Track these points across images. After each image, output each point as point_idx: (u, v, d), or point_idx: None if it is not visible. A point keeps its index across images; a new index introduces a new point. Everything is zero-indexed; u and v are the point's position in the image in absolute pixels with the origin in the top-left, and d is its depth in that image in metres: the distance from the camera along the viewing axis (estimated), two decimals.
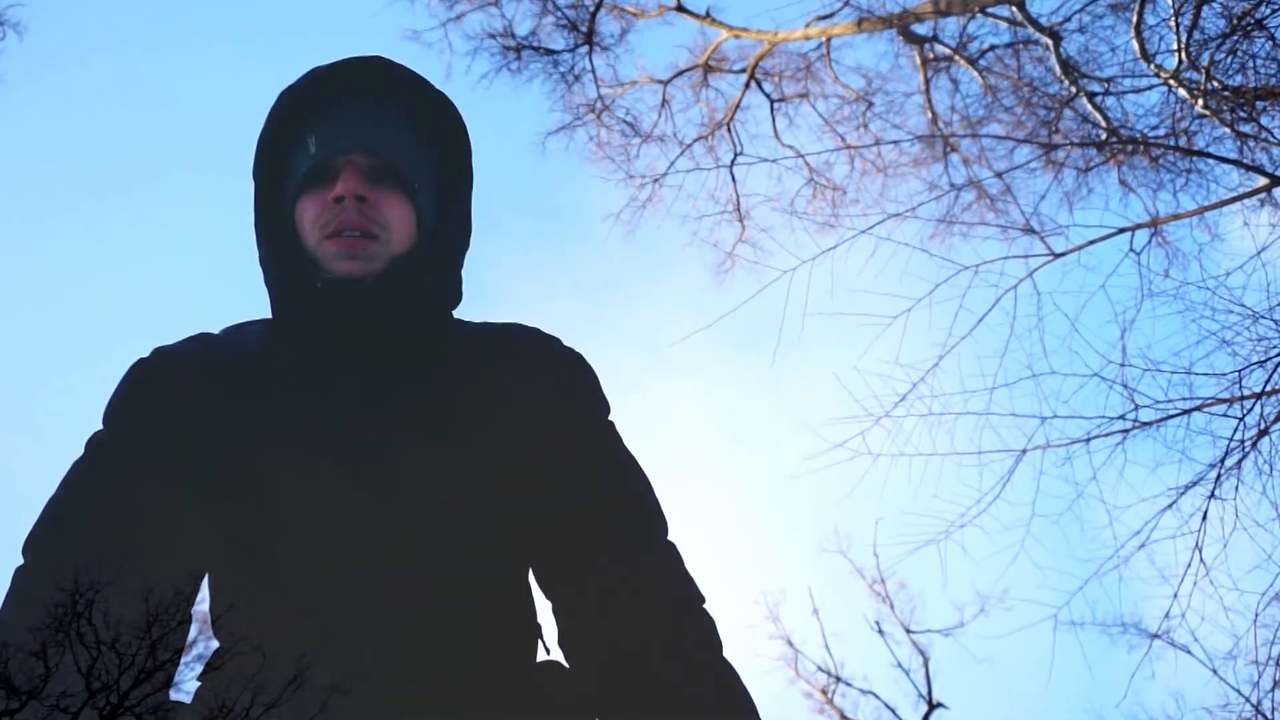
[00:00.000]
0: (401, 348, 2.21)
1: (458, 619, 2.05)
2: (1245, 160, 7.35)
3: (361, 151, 2.26)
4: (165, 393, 2.15)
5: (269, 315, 2.38)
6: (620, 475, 2.22)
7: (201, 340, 2.31)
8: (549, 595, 2.20)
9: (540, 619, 2.24)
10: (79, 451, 2.20)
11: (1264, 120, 7.10)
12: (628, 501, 2.20)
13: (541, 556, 2.17)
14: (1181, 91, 7.28)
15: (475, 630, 2.08)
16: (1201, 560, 6.68)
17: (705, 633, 2.12)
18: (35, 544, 2.07)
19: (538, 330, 2.40)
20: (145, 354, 2.28)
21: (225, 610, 2.11)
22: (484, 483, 2.09)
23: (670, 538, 2.20)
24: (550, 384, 2.22)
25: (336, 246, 2.21)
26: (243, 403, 2.11)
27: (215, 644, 2.17)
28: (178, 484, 2.03)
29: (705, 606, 2.16)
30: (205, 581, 2.17)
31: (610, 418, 2.29)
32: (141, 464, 2.06)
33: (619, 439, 2.29)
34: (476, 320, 2.44)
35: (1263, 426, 6.57)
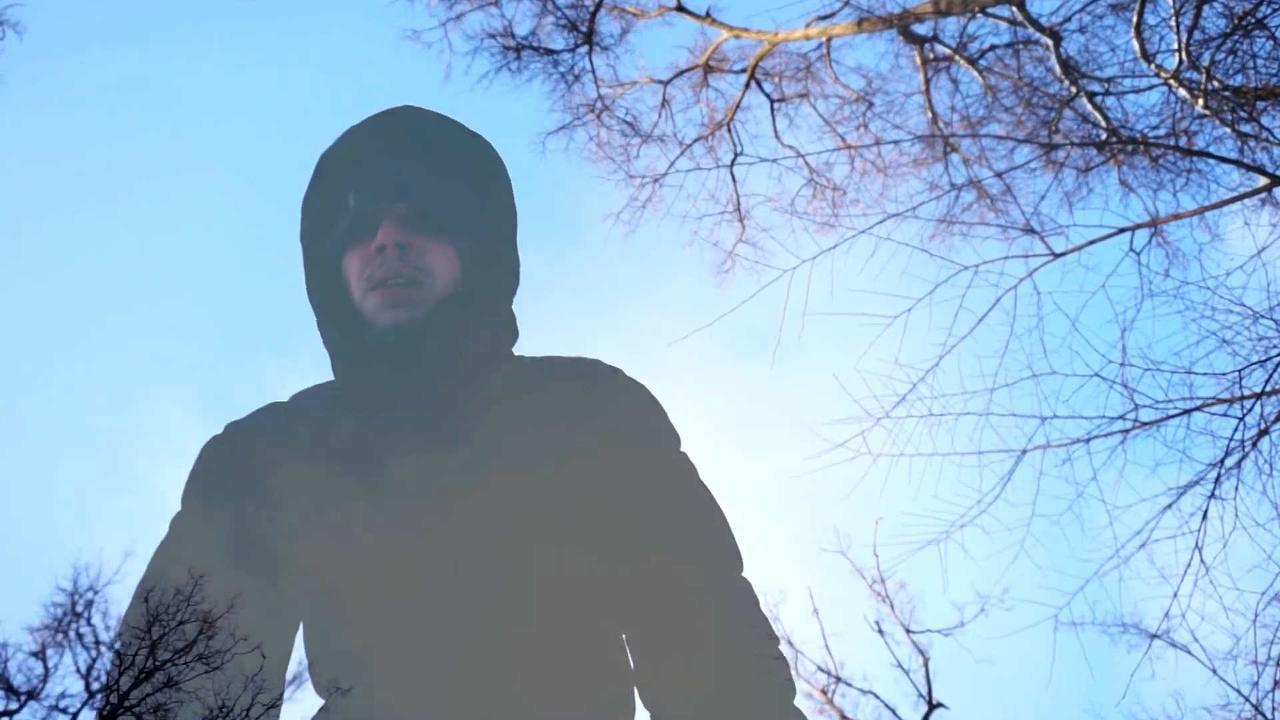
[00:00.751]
0: (456, 391, 2.19)
1: (542, 660, 2.04)
2: (1245, 160, 7.34)
3: (399, 200, 2.29)
4: (236, 467, 2.18)
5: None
6: (696, 512, 2.20)
7: (269, 411, 2.34)
8: (629, 635, 2.17)
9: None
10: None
11: (1265, 120, 7.10)
12: (706, 540, 2.18)
13: (621, 597, 2.15)
14: (1182, 91, 7.28)
15: (563, 673, 2.06)
16: (1201, 560, 6.68)
17: (783, 677, 2.11)
18: (127, 625, 2.13)
19: (599, 363, 2.37)
20: (219, 431, 2.31)
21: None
22: (558, 523, 2.08)
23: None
24: (618, 419, 2.20)
25: (380, 297, 2.25)
26: (311, 467, 2.12)
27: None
28: (253, 553, 2.04)
29: (780, 647, 2.15)
30: (300, 635, 2.17)
31: (682, 449, 2.27)
32: (218, 537, 2.08)
33: (693, 471, 2.27)
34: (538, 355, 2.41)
35: (1263, 426, 6.57)
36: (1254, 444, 6.56)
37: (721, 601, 2.12)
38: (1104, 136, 8.39)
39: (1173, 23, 7.18)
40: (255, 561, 2.09)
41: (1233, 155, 7.43)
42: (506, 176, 2.44)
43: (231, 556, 2.09)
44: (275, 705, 1.88)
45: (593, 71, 10.65)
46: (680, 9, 10.09)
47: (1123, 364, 6.86)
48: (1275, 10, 6.92)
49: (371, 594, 2.07)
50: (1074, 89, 8.55)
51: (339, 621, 2.11)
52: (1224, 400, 6.63)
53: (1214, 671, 6.78)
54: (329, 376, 2.36)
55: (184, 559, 2.13)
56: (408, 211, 2.28)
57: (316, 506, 2.13)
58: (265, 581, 2.11)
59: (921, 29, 9.89)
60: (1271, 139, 7.03)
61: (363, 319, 2.23)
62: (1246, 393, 6.59)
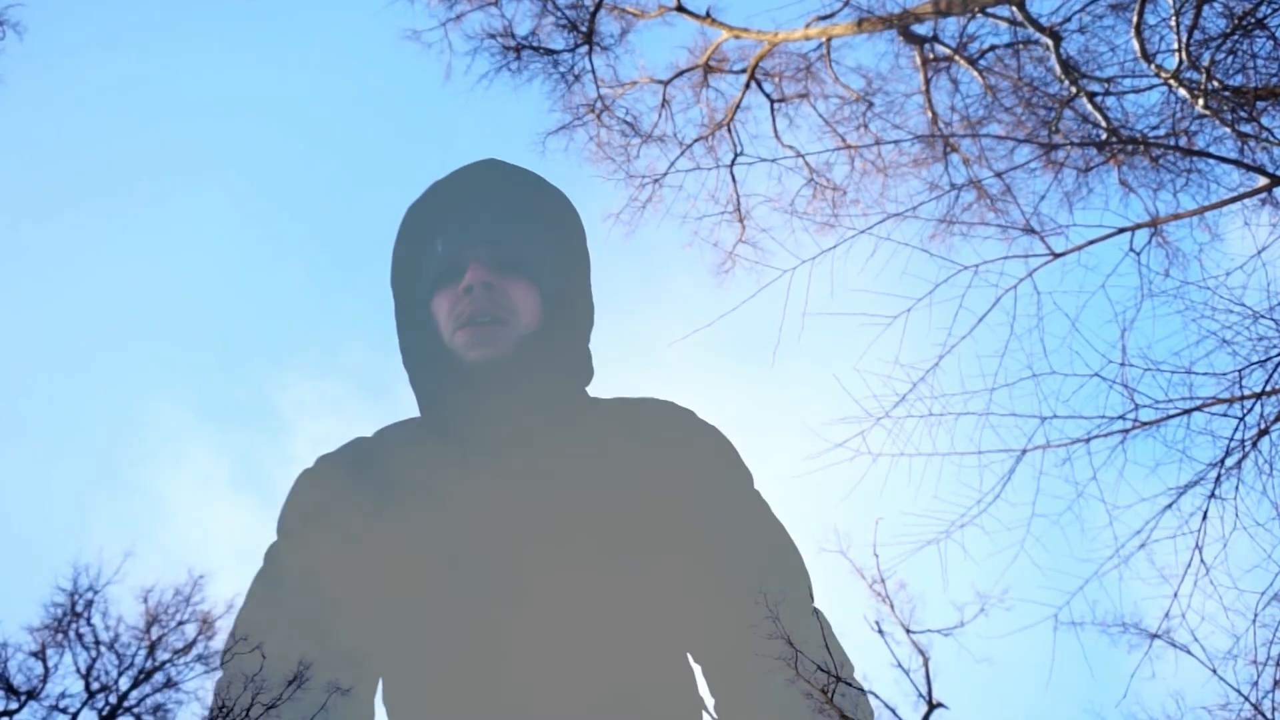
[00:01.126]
0: (536, 426, 2.31)
1: (621, 693, 2.09)
2: (1246, 160, 7.34)
3: (484, 244, 2.44)
4: (327, 497, 2.27)
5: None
6: (771, 546, 2.26)
7: (356, 445, 2.47)
8: (705, 666, 2.23)
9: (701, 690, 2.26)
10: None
11: (1265, 120, 7.10)
12: (781, 573, 2.23)
13: (698, 629, 2.20)
14: (1182, 91, 7.28)
15: (641, 704, 2.12)
16: (1201, 560, 6.68)
17: (866, 711, 2.17)
18: (226, 659, 2.20)
19: (672, 404, 2.49)
20: (310, 464, 2.43)
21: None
22: (636, 557, 2.14)
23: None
24: (692, 458, 2.29)
25: (467, 336, 2.39)
26: (397, 497, 2.21)
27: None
28: (344, 578, 2.10)
29: (855, 675, 2.20)
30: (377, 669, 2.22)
31: (755, 486, 2.34)
32: (311, 565, 2.15)
33: (766, 507, 2.34)
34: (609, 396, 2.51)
35: (1263, 426, 6.57)
36: (1254, 444, 6.57)
37: (798, 630, 2.17)
38: (1104, 136, 8.38)
39: (1173, 23, 7.19)
40: (346, 590, 2.18)
41: (1233, 155, 7.43)
42: (581, 225, 2.64)
43: (325, 585, 2.19)
44: None
45: (593, 71, 10.66)
46: (680, 9, 10.09)
47: (1123, 364, 6.86)
48: (1275, 10, 6.92)
49: (455, 620, 2.15)
50: (1074, 89, 8.54)
51: (423, 648, 2.17)
52: (1224, 400, 6.64)
53: (1214, 671, 6.78)
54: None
55: (281, 589, 2.25)
56: (492, 255, 2.45)
57: (402, 537, 2.23)
58: (354, 609, 2.20)
59: (921, 29, 9.89)
60: (1271, 139, 7.03)
61: (451, 357, 2.39)
62: (1246, 393, 6.59)
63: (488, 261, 2.42)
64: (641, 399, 2.53)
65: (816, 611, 2.27)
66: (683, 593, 2.22)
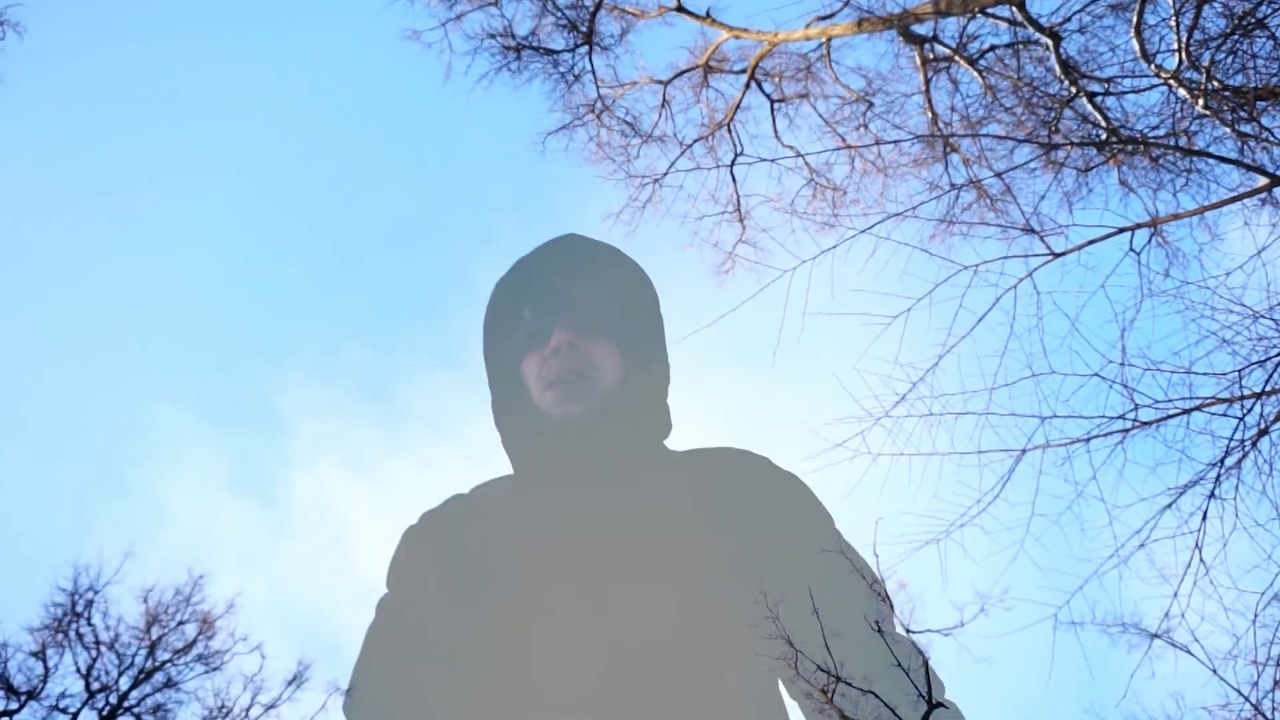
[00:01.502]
0: (624, 478, 2.44)
1: None
2: (1245, 160, 7.34)
3: (567, 309, 2.60)
4: (432, 552, 2.40)
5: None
6: (862, 586, 2.36)
7: (455, 502, 2.62)
8: (801, 703, 2.32)
9: None
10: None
11: (1265, 120, 7.10)
12: (871, 612, 2.31)
13: (791, 665, 2.29)
14: (1182, 91, 7.28)
15: None
16: (1201, 560, 6.69)
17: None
18: (348, 708, 2.28)
19: (749, 453, 2.62)
20: (414, 522, 2.58)
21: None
22: (725, 602, 2.22)
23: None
24: (774, 504, 2.39)
25: (556, 393, 2.56)
26: (495, 551, 2.33)
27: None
28: (448, 628, 2.20)
29: (948, 698, 2.28)
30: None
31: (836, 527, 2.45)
32: (419, 617, 2.26)
33: (851, 548, 2.46)
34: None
35: (1263, 426, 6.57)
36: (1254, 444, 6.57)
37: (890, 660, 2.28)
38: (1104, 136, 8.38)
39: (1173, 23, 7.19)
40: (452, 642, 2.30)
41: (1233, 155, 7.44)
42: (654, 291, 2.90)
43: (434, 638, 2.32)
44: None
45: (593, 71, 10.66)
46: (680, 9, 10.09)
47: (1122, 364, 6.86)
48: (1275, 10, 6.93)
49: (553, 673, 2.23)
50: (1074, 89, 8.54)
51: (525, 697, 2.26)
52: (1224, 400, 6.64)
53: (1214, 671, 6.78)
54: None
55: (392, 642, 2.38)
56: (575, 318, 2.63)
57: (503, 591, 2.35)
58: (460, 660, 2.30)
59: (921, 29, 9.90)
60: (1271, 139, 7.04)
61: (540, 415, 2.56)
62: (1246, 392, 6.59)
63: (571, 325, 2.63)
64: (719, 449, 2.72)
65: (909, 639, 2.37)
66: (774, 635, 2.32)
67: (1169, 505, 6.74)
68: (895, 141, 9.88)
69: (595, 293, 2.74)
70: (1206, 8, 7.14)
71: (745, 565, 2.36)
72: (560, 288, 2.72)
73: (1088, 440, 6.85)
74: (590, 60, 10.60)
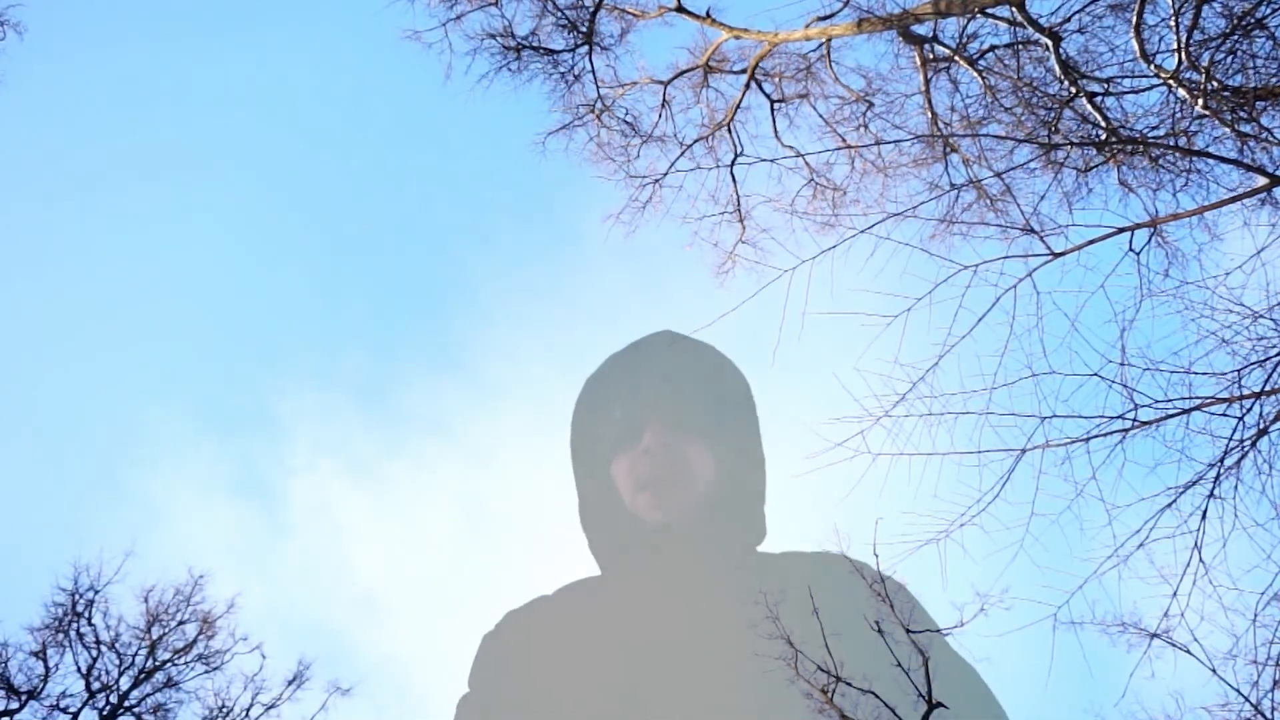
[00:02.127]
0: (715, 585, 2.44)
1: None
2: (1245, 160, 7.35)
3: (660, 409, 2.59)
4: (514, 653, 2.41)
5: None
6: (969, 692, 2.37)
7: (540, 603, 2.63)
8: None
9: None
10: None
11: (1264, 120, 7.11)
12: (975, 702, 2.33)
13: None
14: (1181, 91, 7.29)
15: None
16: (1201, 559, 6.69)
17: None
18: None
19: (843, 556, 2.64)
20: (492, 627, 2.57)
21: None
22: (820, 705, 2.23)
23: None
24: (873, 605, 2.40)
25: (649, 499, 2.53)
26: (579, 656, 2.33)
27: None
28: None
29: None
30: None
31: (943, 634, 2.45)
32: (502, 715, 2.27)
33: (946, 644, 2.47)
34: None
35: (1262, 426, 6.58)
36: (1253, 444, 6.57)
37: None
38: (1104, 136, 8.39)
39: (1172, 23, 7.19)
40: None
41: (1233, 155, 7.44)
42: (749, 389, 2.82)
43: None
44: None
45: (593, 72, 10.67)
46: (680, 9, 10.09)
47: (1122, 364, 6.87)
48: (1275, 10, 6.93)
49: None
50: (1074, 89, 8.55)
51: None
52: (1223, 400, 6.64)
53: (1214, 671, 6.79)
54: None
55: None
56: (668, 418, 2.60)
57: (588, 693, 2.37)
58: None
59: (921, 29, 9.90)
60: (1271, 139, 7.04)
61: (633, 518, 2.55)
62: (1246, 392, 6.60)
63: (664, 424, 2.67)
64: (812, 553, 2.72)
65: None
66: None
67: (1169, 505, 6.75)
68: (895, 141, 9.89)
69: (688, 391, 2.71)
70: (1206, 8, 7.14)
71: (843, 661, 2.36)
72: (652, 385, 2.76)
73: (1087, 440, 6.86)
74: (590, 60, 10.61)
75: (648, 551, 2.19)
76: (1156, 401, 6.76)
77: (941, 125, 10.05)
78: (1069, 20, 8.83)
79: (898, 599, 2.44)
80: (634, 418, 2.33)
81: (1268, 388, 6.54)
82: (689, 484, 2.22)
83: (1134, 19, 7.40)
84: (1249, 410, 6.59)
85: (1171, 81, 7.25)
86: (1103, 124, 8.46)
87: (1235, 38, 7.10)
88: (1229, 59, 7.28)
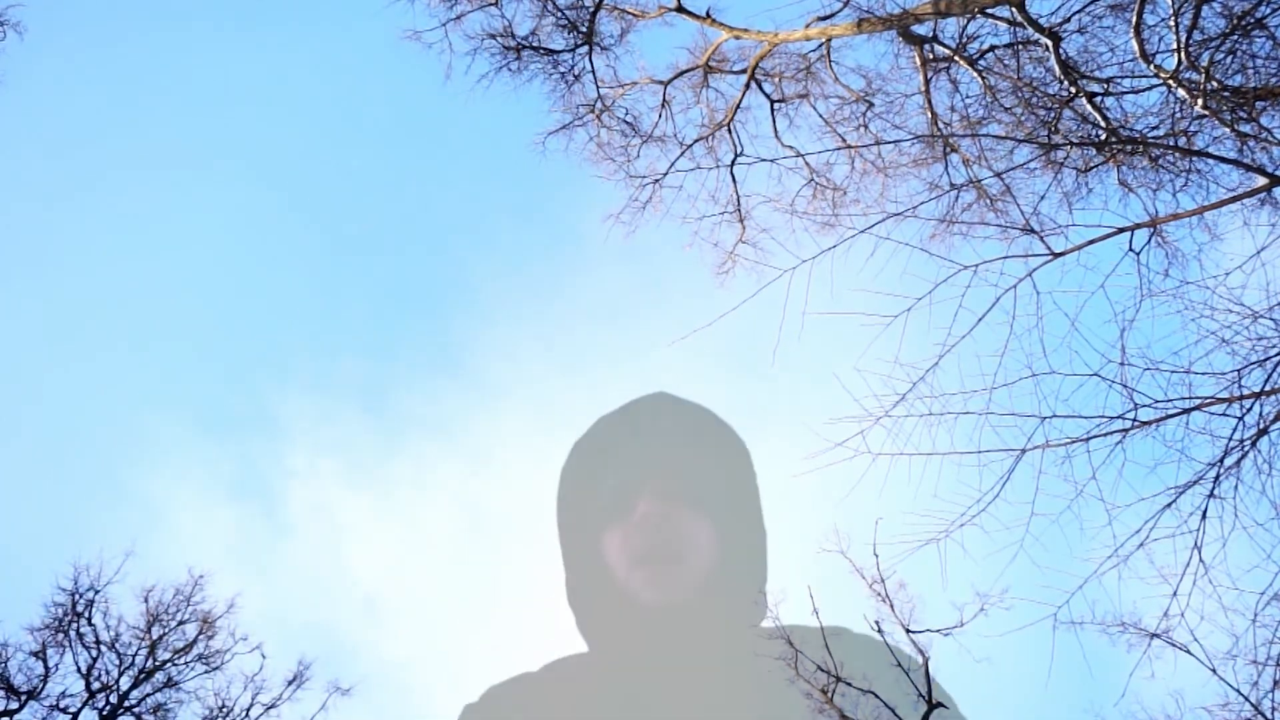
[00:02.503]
0: (714, 668, 2.29)
1: None
2: (1245, 160, 7.35)
3: (655, 477, 2.39)
4: None
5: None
6: None
7: (523, 680, 2.52)
8: None
9: None
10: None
11: (1264, 120, 7.11)
12: None
13: None
14: (1181, 91, 7.29)
15: None
16: (1201, 559, 6.70)
17: None
18: None
19: (848, 630, 2.52)
20: (475, 699, 2.48)
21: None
22: None
23: None
24: (884, 687, 2.31)
25: (646, 575, 2.34)
26: None
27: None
28: None
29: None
30: None
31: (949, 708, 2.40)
32: None
33: (956, 710, 2.43)
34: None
35: (1262, 426, 6.58)
36: (1253, 444, 6.58)
37: None
38: (1104, 136, 8.39)
39: (1172, 23, 7.19)
40: None
41: (1232, 155, 7.44)
42: (749, 455, 2.62)
43: None
44: None
45: (593, 72, 10.67)
46: (680, 9, 10.09)
47: (1122, 363, 6.87)
48: (1275, 10, 6.93)
49: None
50: (1074, 89, 8.55)
51: None
52: (1223, 400, 6.65)
53: (1214, 671, 6.80)
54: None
55: None
56: (664, 488, 2.40)
57: None
58: None
59: (921, 29, 9.90)
60: (1271, 139, 7.04)
61: (625, 595, 2.35)
62: (1246, 392, 6.60)
63: (660, 494, 2.46)
64: (817, 627, 2.57)
65: None
66: None
67: (1169, 505, 6.75)
68: (895, 141, 9.89)
69: (684, 458, 2.51)
70: (1206, 8, 7.15)
71: None
72: (646, 452, 2.57)
73: (1087, 440, 6.86)
74: (590, 60, 10.61)
75: (645, 632, 2.05)
76: (1156, 401, 6.76)
77: (941, 125, 10.06)
78: (1069, 20, 8.83)
79: (916, 675, 2.38)
80: (627, 487, 2.17)
81: (1268, 388, 6.54)
82: (687, 560, 2.08)
83: (1134, 19, 7.40)
84: (1249, 410, 6.59)
85: (1171, 81, 7.26)
86: (1103, 124, 8.46)
87: (1235, 38, 7.11)
88: (1229, 59, 7.29)
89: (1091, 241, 7.10)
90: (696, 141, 10.68)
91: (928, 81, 10.07)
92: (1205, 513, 6.68)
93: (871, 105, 10.35)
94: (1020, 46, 9.68)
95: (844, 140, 10.32)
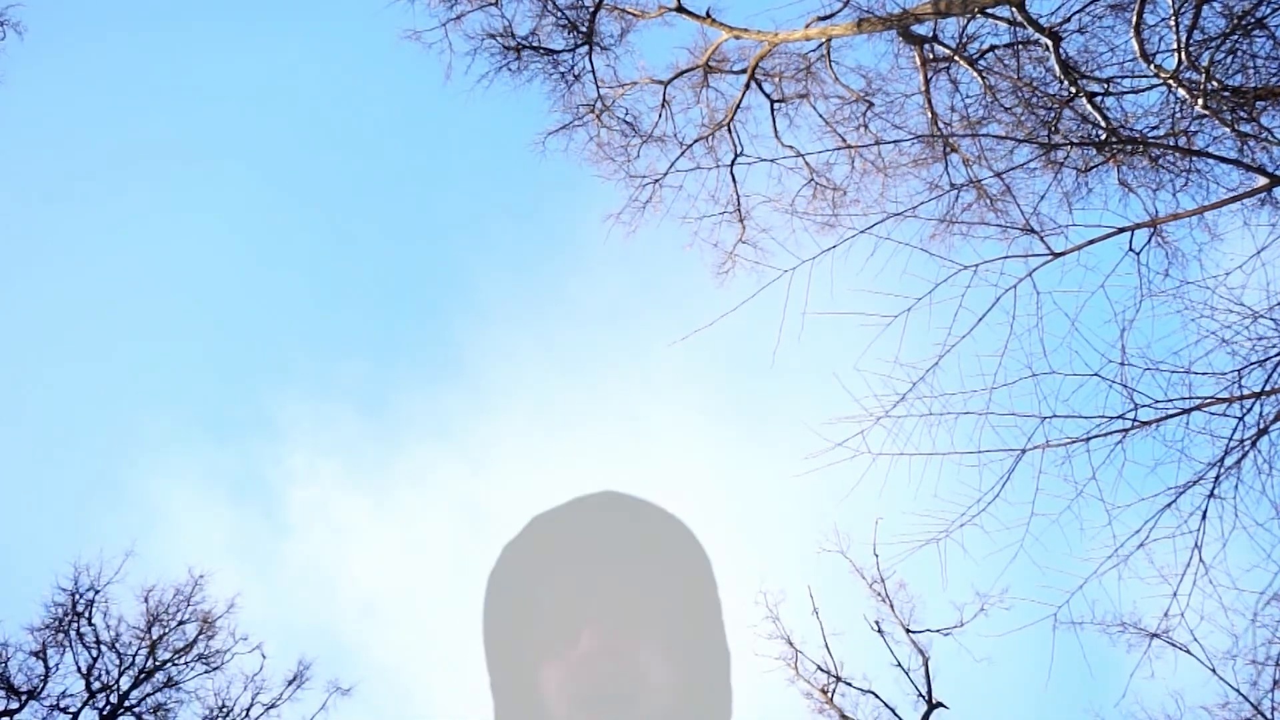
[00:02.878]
0: None
1: None
2: (1245, 160, 7.35)
3: (604, 598, 1.92)
4: None
5: None
6: None
7: None
8: None
9: None
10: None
11: (1265, 120, 7.11)
12: None
13: None
14: (1181, 91, 7.28)
15: None
16: (1201, 559, 6.69)
17: None
18: None
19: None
20: None
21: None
22: None
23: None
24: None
25: None
26: None
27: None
28: None
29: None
30: None
31: None
32: None
33: None
34: None
35: (1262, 426, 6.58)
36: (1253, 443, 6.58)
37: None
38: (1104, 136, 8.38)
39: (1172, 23, 7.19)
40: None
41: (1233, 155, 7.44)
42: (709, 564, 2.02)
43: None
44: None
45: (593, 71, 10.68)
46: (680, 9, 10.09)
47: (1122, 363, 6.87)
48: (1275, 10, 6.93)
49: None
50: (1074, 89, 8.54)
51: None
52: (1223, 400, 6.65)
53: (1214, 671, 6.80)
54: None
55: None
56: (611, 614, 1.90)
57: None
58: None
59: (921, 29, 9.90)
60: (1271, 139, 7.04)
61: None
62: (1246, 392, 6.60)
63: (606, 622, 1.94)
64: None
65: None
66: None
67: (1169, 505, 6.75)
68: (895, 141, 9.88)
69: (635, 573, 1.98)
70: (1206, 8, 7.14)
71: None
72: (590, 564, 1.99)
73: (1087, 440, 6.86)
74: (590, 60, 10.61)
75: None
76: (1156, 401, 6.76)
77: (941, 125, 10.06)
78: (1069, 20, 8.84)
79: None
80: (567, 610, 1.81)
81: (1268, 388, 6.54)
82: (639, 702, 1.77)
83: (1134, 19, 7.40)
84: (1249, 410, 6.59)
85: (1171, 81, 7.25)
86: (1103, 124, 8.46)
87: (1235, 38, 7.10)
88: (1229, 59, 7.28)
89: (1091, 241, 7.09)
90: (696, 141, 10.68)
91: (928, 81, 10.07)
92: (1205, 513, 6.68)
93: (871, 105, 10.35)
94: (1020, 46, 9.69)
95: (844, 140, 10.32)
